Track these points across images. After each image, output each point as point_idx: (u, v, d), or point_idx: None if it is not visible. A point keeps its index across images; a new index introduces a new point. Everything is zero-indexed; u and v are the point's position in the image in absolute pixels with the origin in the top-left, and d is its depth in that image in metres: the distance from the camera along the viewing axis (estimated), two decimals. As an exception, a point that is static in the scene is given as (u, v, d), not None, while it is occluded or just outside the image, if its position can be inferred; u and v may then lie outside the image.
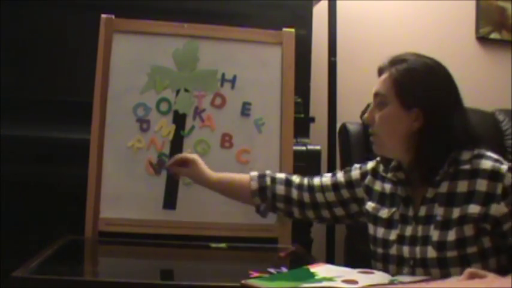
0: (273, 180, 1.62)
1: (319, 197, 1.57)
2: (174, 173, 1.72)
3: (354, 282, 1.20)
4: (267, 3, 2.12)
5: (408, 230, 1.37)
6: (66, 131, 1.86)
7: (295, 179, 1.62)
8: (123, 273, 1.46)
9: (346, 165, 2.20)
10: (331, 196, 1.56)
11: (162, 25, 1.86)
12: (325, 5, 2.32)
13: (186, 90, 1.84)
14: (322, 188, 1.57)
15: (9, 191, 1.82)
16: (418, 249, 1.34)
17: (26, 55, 2.01)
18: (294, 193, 1.60)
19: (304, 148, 1.96)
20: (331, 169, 2.21)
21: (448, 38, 2.66)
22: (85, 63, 1.85)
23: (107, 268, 1.59)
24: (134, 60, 1.83)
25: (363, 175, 1.53)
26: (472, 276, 1.12)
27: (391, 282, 1.23)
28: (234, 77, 1.86)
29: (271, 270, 1.32)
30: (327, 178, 1.58)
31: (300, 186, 1.60)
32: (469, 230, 1.28)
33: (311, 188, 1.58)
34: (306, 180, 1.60)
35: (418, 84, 1.36)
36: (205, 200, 1.78)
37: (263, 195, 1.62)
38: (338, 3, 2.32)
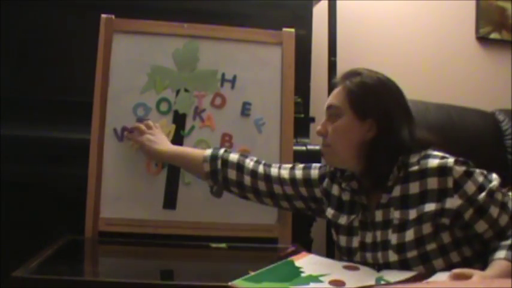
0: (224, 163, 1.61)
1: (277, 188, 1.58)
2: (132, 140, 1.75)
3: (341, 283, 1.20)
4: (267, 3, 2.12)
5: (368, 237, 1.40)
6: (66, 131, 1.86)
7: (249, 163, 1.61)
8: (123, 273, 1.46)
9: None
10: (289, 190, 1.57)
11: (162, 25, 1.86)
12: (325, 5, 2.31)
13: (186, 90, 1.84)
14: (280, 180, 1.57)
15: (9, 191, 1.82)
16: (379, 254, 1.36)
17: (26, 55, 2.01)
18: (247, 179, 1.60)
19: (304, 148, 1.96)
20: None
21: (448, 38, 2.66)
22: (85, 63, 1.84)
23: (107, 268, 1.59)
24: (134, 60, 1.83)
25: (322, 177, 1.55)
26: (459, 276, 1.12)
27: (377, 282, 1.24)
28: (234, 77, 1.86)
29: None
30: (285, 171, 1.58)
31: (253, 173, 1.59)
32: (427, 228, 1.31)
33: (267, 177, 1.58)
34: (261, 167, 1.60)
35: (372, 95, 1.40)
36: (205, 200, 1.78)
37: (215, 178, 1.63)
38: (338, 3, 2.31)
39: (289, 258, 1.35)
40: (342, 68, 2.34)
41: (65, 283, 1.22)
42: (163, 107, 1.82)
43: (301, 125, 2.00)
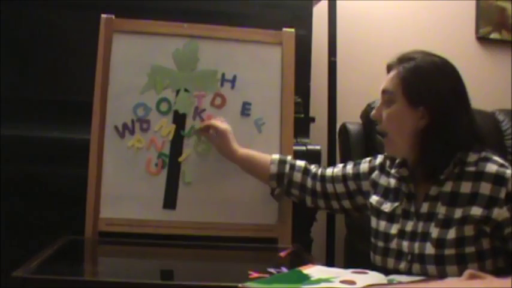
0: (292, 167, 1.67)
1: (330, 187, 1.61)
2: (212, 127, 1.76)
3: (352, 282, 1.20)
4: (267, 3, 2.12)
5: (409, 225, 1.38)
6: (66, 131, 1.86)
7: (313, 168, 1.67)
8: (123, 273, 1.46)
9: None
10: (340, 187, 1.60)
11: (162, 25, 1.86)
12: (325, 5, 2.31)
13: (186, 90, 1.84)
14: (333, 179, 1.61)
15: (9, 191, 1.82)
16: (417, 244, 1.35)
17: (26, 55, 2.01)
18: (309, 182, 1.64)
19: (304, 148, 1.96)
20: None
21: (448, 38, 2.66)
22: (85, 63, 1.84)
23: (107, 268, 1.59)
24: (134, 60, 1.83)
25: (371, 169, 1.55)
26: (472, 277, 1.12)
27: (390, 282, 1.23)
28: (234, 77, 1.86)
29: (272, 270, 1.32)
30: (338, 169, 1.62)
31: (314, 176, 1.64)
32: (469, 231, 1.29)
33: (323, 178, 1.63)
34: (320, 170, 1.65)
35: (425, 82, 1.36)
36: (205, 200, 1.78)
37: (280, 181, 1.67)
38: (338, 3, 2.31)
39: (296, 268, 1.35)
40: (342, 68, 2.35)
41: (65, 283, 1.22)
42: (163, 107, 1.82)
43: (301, 125, 2.00)
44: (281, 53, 1.88)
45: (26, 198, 1.85)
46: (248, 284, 1.19)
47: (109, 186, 1.76)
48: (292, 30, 1.90)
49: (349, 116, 2.39)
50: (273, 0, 2.13)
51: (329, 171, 1.64)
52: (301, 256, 1.62)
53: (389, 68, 1.44)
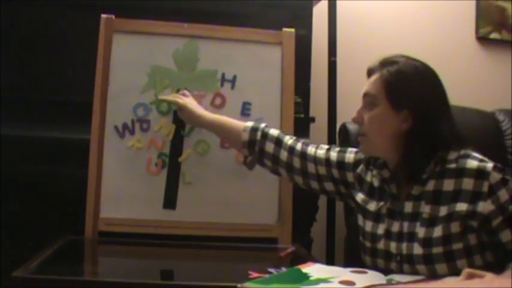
0: (264, 135, 1.62)
1: (311, 167, 1.57)
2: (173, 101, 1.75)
3: (351, 283, 1.20)
4: (267, 3, 2.12)
5: (395, 226, 1.39)
6: (66, 131, 1.86)
7: (288, 140, 1.62)
8: (123, 273, 1.46)
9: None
10: (322, 170, 1.57)
11: (162, 25, 1.86)
12: (325, 5, 2.31)
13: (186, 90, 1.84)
14: (315, 159, 1.57)
15: (9, 191, 1.82)
16: (404, 245, 1.36)
17: (26, 55, 2.01)
18: (284, 154, 1.60)
19: (304, 148, 1.96)
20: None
21: (448, 38, 2.66)
22: (85, 63, 1.84)
23: (107, 268, 1.59)
24: (134, 60, 1.83)
25: (357, 162, 1.54)
26: (471, 276, 1.12)
27: (389, 282, 1.23)
28: (234, 77, 1.86)
29: (272, 270, 1.32)
30: (321, 151, 1.58)
31: (291, 149, 1.59)
32: (455, 227, 1.30)
33: (303, 155, 1.58)
34: (299, 145, 1.60)
35: (408, 86, 1.39)
36: (205, 200, 1.78)
37: (251, 149, 1.63)
38: (338, 3, 2.31)
39: (295, 267, 1.35)
40: (342, 68, 2.35)
41: (65, 283, 1.22)
42: (163, 107, 1.82)
43: (301, 125, 2.00)
44: (281, 53, 1.88)
45: (26, 198, 1.85)
46: (247, 284, 1.19)
47: (109, 186, 1.76)
48: (292, 30, 1.90)
49: (349, 116, 2.37)
50: (273, 0, 2.13)
51: (311, 149, 1.58)
52: (301, 256, 1.62)
53: (370, 72, 1.45)
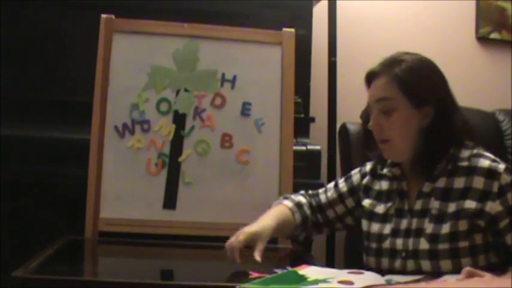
0: (299, 205, 1.54)
1: (330, 213, 1.56)
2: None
3: (350, 283, 1.20)
4: (267, 3, 2.12)
5: (403, 224, 1.38)
6: (66, 131, 1.86)
7: (302, 199, 1.56)
8: (123, 273, 1.46)
9: (346, 165, 2.20)
10: (340, 208, 1.55)
11: (162, 25, 1.86)
12: (325, 5, 2.31)
13: (186, 90, 1.84)
14: (331, 204, 1.55)
15: (9, 191, 1.82)
16: (411, 240, 1.35)
17: (26, 55, 2.01)
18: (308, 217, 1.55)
19: (304, 148, 1.96)
20: (331, 169, 2.21)
21: (448, 38, 2.66)
22: (85, 63, 1.84)
23: (107, 268, 1.59)
24: (134, 60, 1.83)
25: (363, 176, 1.53)
26: (471, 275, 1.12)
27: (388, 283, 1.23)
28: (234, 77, 1.86)
29: (277, 270, 1.32)
30: (331, 192, 1.56)
31: (310, 208, 1.56)
32: (463, 225, 1.30)
33: (320, 208, 1.56)
34: (313, 200, 1.57)
35: (424, 80, 1.36)
36: (205, 200, 1.78)
37: (305, 225, 1.55)
38: (338, 3, 2.31)
39: (292, 269, 1.35)
40: (342, 68, 2.34)
41: (65, 283, 1.22)
42: (163, 107, 1.82)
43: (301, 125, 2.00)
44: (281, 53, 1.88)
45: (26, 198, 1.85)
46: (245, 285, 1.19)
47: (109, 186, 1.76)
48: (292, 30, 1.90)
49: (349, 116, 2.38)
50: (273, 0, 2.14)
51: (323, 197, 1.56)
52: (301, 256, 1.62)
53: (374, 76, 1.40)
